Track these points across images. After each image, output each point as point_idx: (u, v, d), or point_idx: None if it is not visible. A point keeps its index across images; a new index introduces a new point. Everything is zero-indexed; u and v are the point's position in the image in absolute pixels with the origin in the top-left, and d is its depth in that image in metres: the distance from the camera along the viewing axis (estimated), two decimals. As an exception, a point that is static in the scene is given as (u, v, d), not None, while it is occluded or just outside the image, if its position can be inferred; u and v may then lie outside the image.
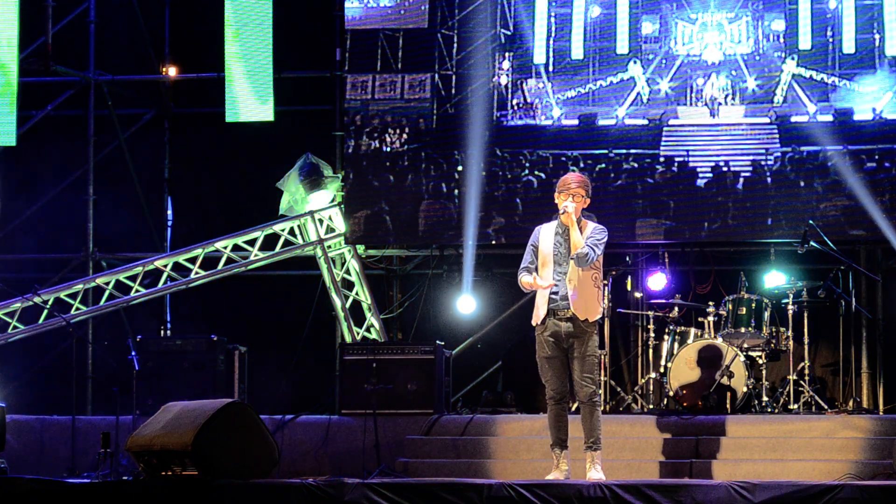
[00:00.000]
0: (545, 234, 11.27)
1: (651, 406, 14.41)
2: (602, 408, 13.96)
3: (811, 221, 14.56)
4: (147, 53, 17.07)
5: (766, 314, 14.44)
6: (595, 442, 11.20)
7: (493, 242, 15.56)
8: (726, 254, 15.68)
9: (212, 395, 13.63)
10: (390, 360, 14.36)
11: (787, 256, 15.11)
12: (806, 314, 14.48)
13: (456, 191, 15.59)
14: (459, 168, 15.55)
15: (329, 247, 15.84)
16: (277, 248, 15.92)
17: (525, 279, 11.29)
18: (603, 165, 15.37)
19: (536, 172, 15.45)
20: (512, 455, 13.20)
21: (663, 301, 14.95)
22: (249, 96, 16.10)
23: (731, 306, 14.43)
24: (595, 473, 11.06)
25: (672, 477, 12.28)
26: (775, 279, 14.92)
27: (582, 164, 15.32)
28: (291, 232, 15.95)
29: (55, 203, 17.00)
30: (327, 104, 16.36)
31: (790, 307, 14.45)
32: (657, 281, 15.29)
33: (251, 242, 15.88)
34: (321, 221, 15.90)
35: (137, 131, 17.24)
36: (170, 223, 17.21)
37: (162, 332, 16.62)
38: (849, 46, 15.10)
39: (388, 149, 15.75)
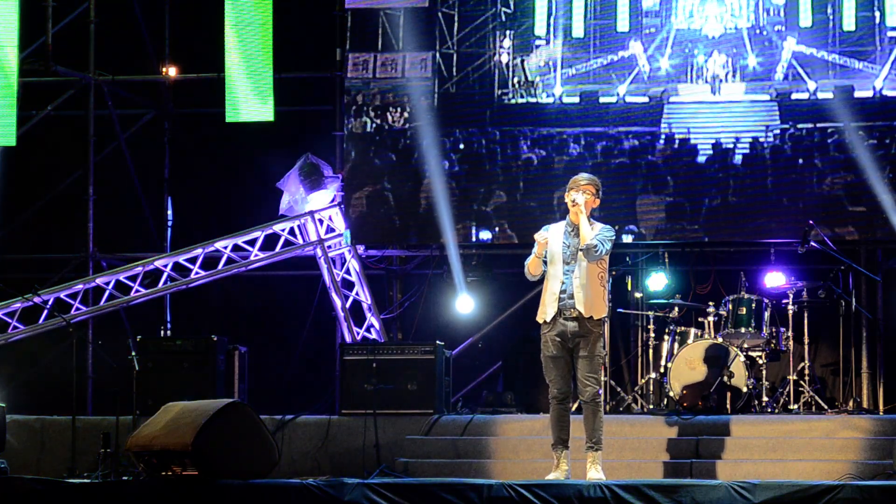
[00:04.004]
0: (553, 234, 11.29)
1: (651, 406, 14.41)
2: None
3: (811, 221, 14.57)
4: (147, 53, 17.08)
5: (766, 314, 14.44)
6: (596, 442, 11.21)
7: (489, 236, 15.57)
8: (726, 254, 15.68)
9: (212, 395, 13.63)
10: (390, 360, 14.35)
11: (787, 256, 15.11)
12: (806, 314, 14.49)
13: (457, 168, 15.66)
14: (461, 146, 15.61)
15: (329, 247, 15.84)
16: (277, 248, 15.92)
17: (529, 259, 11.31)
18: (604, 143, 15.45)
19: (537, 150, 15.51)
20: (512, 455, 13.20)
21: (663, 301, 14.95)
22: (249, 96, 16.10)
23: (731, 306, 14.43)
24: (595, 473, 11.06)
25: (672, 477, 12.27)
26: (775, 279, 14.92)
27: (583, 142, 15.41)
28: (291, 232, 15.95)
29: (55, 203, 16.99)
30: (327, 104, 16.37)
31: (790, 307, 14.46)
32: (657, 281, 15.30)
33: (251, 242, 15.88)
34: (321, 221, 15.90)
35: (137, 131, 17.25)
36: (170, 223, 17.21)
37: (162, 332, 16.62)
38: (849, 24, 15.16)
39: (390, 127, 15.79)
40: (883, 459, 12.54)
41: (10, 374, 15.92)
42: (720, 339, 14.21)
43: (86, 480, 11.69)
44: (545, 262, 11.34)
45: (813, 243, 14.28)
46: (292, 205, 15.99)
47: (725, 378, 13.87)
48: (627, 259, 15.74)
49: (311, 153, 16.05)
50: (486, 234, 15.69)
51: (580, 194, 11.23)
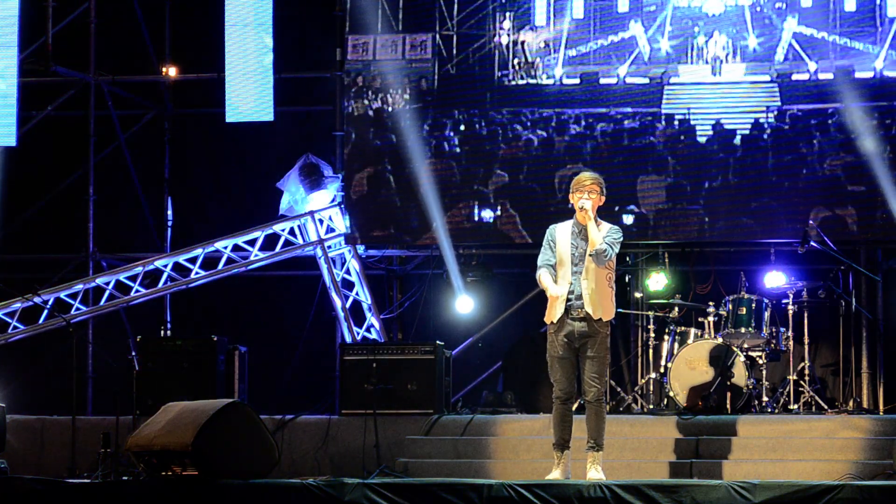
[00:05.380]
0: (561, 234, 11.26)
1: (651, 406, 14.41)
2: (602, 408, 14.02)
3: (811, 222, 14.58)
4: (147, 53, 17.08)
5: (766, 314, 14.43)
6: (597, 443, 11.19)
7: (493, 215, 15.58)
8: (726, 254, 15.68)
9: (212, 395, 13.63)
10: (390, 360, 14.36)
11: (787, 256, 15.11)
12: (806, 314, 14.48)
13: (458, 150, 15.68)
14: (462, 127, 15.65)
15: (329, 247, 15.84)
16: (277, 248, 15.93)
17: (544, 280, 11.25)
18: (604, 124, 15.50)
19: (538, 131, 15.55)
20: (512, 455, 13.20)
21: (663, 301, 14.95)
22: (249, 96, 16.10)
23: (731, 306, 14.42)
24: (595, 474, 11.05)
25: (672, 477, 12.27)
26: (775, 279, 14.92)
27: (583, 123, 15.46)
28: (291, 232, 15.96)
29: (55, 203, 16.99)
30: (327, 104, 16.36)
31: (790, 307, 14.45)
32: (657, 281, 15.30)
33: (251, 242, 15.88)
34: (321, 221, 15.90)
35: (137, 131, 17.24)
36: (170, 223, 17.21)
37: (162, 332, 16.62)
38: (850, 5, 15.20)
39: (390, 109, 15.83)
40: (883, 459, 12.54)
41: (10, 374, 15.92)
42: (720, 339, 14.21)
43: (86, 480, 11.69)
44: (555, 267, 11.29)
45: (813, 243, 14.29)
46: (292, 205, 15.99)
47: (725, 378, 13.87)
48: (627, 259, 15.74)
49: (311, 153, 16.05)
50: (487, 214, 15.70)
51: (586, 198, 11.15)
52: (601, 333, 11.18)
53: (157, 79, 17.16)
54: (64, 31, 16.63)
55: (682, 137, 15.40)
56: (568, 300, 11.17)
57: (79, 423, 13.91)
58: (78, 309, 15.83)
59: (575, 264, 11.18)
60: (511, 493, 10.34)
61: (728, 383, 13.89)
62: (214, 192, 17.20)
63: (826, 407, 14.05)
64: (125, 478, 12.03)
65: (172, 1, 17.18)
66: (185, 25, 17.18)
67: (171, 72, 17.09)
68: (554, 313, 11.22)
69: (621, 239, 11.26)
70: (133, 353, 14.18)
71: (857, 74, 15.08)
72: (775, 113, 15.25)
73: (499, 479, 10.81)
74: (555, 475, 11.16)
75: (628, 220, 15.38)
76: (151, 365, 14.54)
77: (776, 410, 14.05)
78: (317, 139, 16.47)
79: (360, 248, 15.97)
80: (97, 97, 16.82)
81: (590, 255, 11.08)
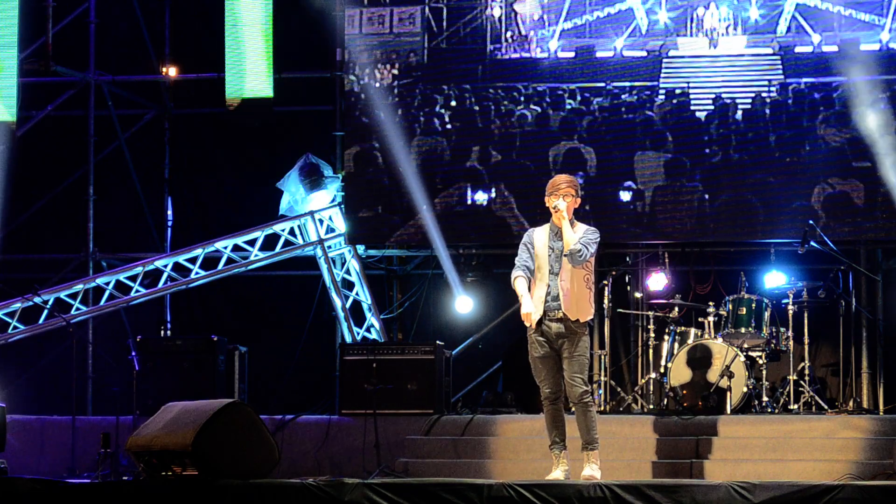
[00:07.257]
0: (539, 237, 11.26)
1: (651, 406, 14.41)
2: (602, 408, 14.06)
3: (811, 222, 14.57)
4: (147, 53, 17.08)
5: (766, 314, 14.43)
6: (591, 442, 11.16)
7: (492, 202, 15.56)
8: (726, 254, 15.68)
9: (212, 395, 13.63)
10: (390, 360, 14.36)
11: (787, 256, 15.11)
12: (806, 314, 14.47)
13: (448, 126, 15.48)
14: (453, 103, 15.42)
15: (329, 247, 15.84)
16: (277, 248, 15.93)
17: (518, 287, 11.26)
18: (601, 98, 15.26)
19: (532, 106, 15.31)
20: (512, 455, 13.20)
21: (663, 301, 14.94)
22: (249, 96, 16.09)
23: (731, 306, 14.42)
24: (589, 470, 11.02)
25: (672, 477, 12.27)
26: (775, 279, 14.91)
27: (579, 97, 15.21)
28: (291, 232, 15.96)
29: (55, 203, 17.00)
30: (327, 104, 16.36)
31: (790, 307, 14.44)
32: (657, 281, 15.30)
33: (251, 242, 15.89)
34: (321, 221, 15.90)
35: (137, 131, 17.25)
36: (170, 223, 17.22)
37: (162, 332, 16.63)
38: (855, -25, 15.01)
39: (378, 84, 15.60)
40: (883, 459, 12.54)
41: (10, 374, 15.93)
42: (720, 339, 14.20)
43: (86, 480, 11.69)
44: (531, 271, 11.28)
45: (813, 243, 14.29)
46: (292, 205, 16.00)
47: (725, 378, 13.87)
48: (627, 259, 15.73)
49: (311, 153, 16.06)
50: (481, 196, 15.45)
51: (561, 200, 11.15)
52: (578, 333, 11.14)
53: (158, 78, 17.16)
54: (64, 31, 16.64)
55: (682, 112, 15.14)
56: (545, 301, 11.15)
57: (79, 423, 13.93)
58: (78, 309, 15.83)
59: (552, 266, 11.18)
60: (511, 493, 10.33)
61: (728, 383, 13.88)
62: (214, 192, 17.21)
63: (826, 407, 14.05)
64: (125, 478, 12.03)
65: (172, 1, 17.19)
66: (185, 25, 17.19)
67: (171, 72, 17.09)
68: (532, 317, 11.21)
69: (598, 240, 11.21)
70: (133, 353, 14.16)
71: (863, 47, 14.79)
72: (778, 87, 14.99)
73: (499, 479, 10.80)
74: (555, 475, 11.16)
75: (625, 196, 15.17)
76: (151, 365, 14.54)
77: (776, 410, 14.04)
78: (317, 139, 16.47)
79: (360, 248, 15.97)
80: (97, 97, 16.83)
81: (564, 256, 11.08)
